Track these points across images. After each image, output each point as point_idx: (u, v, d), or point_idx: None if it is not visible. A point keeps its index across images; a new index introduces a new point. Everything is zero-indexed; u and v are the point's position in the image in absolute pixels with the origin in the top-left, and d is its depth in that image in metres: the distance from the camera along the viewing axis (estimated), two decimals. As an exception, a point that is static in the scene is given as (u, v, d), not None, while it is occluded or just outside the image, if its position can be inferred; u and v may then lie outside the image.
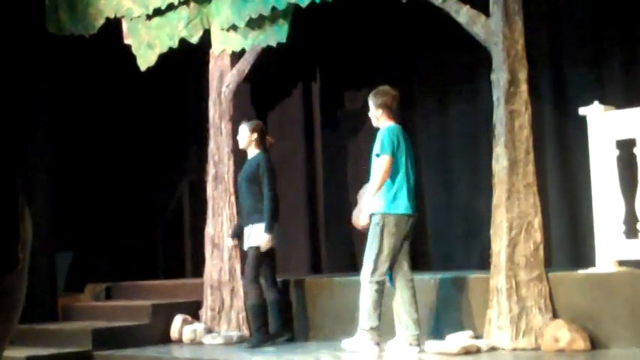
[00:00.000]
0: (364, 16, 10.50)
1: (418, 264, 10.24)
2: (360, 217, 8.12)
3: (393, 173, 7.92)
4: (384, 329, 7.99)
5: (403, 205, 7.93)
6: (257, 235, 8.91)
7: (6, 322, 1.03)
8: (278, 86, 11.52)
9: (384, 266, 7.93)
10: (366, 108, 8.44)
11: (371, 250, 7.95)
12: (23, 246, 1.04)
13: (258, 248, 8.90)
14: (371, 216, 7.97)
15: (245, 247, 9.06)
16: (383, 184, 7.90)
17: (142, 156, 12.01)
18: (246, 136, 9.16)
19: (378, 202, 7.93)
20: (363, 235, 8.89)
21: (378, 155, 7.98)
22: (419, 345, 7.90)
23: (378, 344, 7.98)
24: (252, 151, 9.19)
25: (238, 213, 9.51)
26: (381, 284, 7.94)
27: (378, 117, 8.21)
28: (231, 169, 9.85)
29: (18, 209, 1.03)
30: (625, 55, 9.20)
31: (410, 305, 7.97)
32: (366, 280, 7.96)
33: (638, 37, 9.10)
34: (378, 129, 8.21)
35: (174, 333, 9.67)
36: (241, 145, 9.22)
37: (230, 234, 9.53)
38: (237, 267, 9.56)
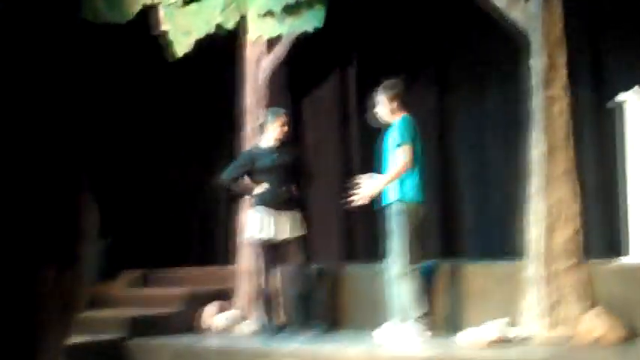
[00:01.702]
0: (401, 0, 10.38)
1: (454, 252, 10.19)
2: (365, 191, 8.13)
3: (413, 162, 8.00)
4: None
5: (421, 194, 8.08)
6: None
7: (65, 321, 0.99)
8: (314, 72, 11.45)
9: (417, 253, 7.97)
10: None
11: (401, 241, 7.97)
12: (85, 242, 1.00)
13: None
14: (386, 207, 8.04)
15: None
16: (403, 172, 7.96)
17: (177, 143, 12.00)
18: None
19: (397, 191, 7.99)
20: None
21: (399, 145, 8.02)
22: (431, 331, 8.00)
23: (429, 330, 8.00)
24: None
25: None
26: (417, 270, 8.01)
27: (393, 109, 8.24)
28: (267, 155, 9.79)
29: (81, 204, 0.99)
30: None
31: (425, 292, 8.11)
32: (404, 271, 7.97)
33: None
34: (382, 126, 8.30)
35: (208, 320, 9.64)
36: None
37: None
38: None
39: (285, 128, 9.12)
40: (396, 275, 8.04)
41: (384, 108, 8.33)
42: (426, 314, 8.04)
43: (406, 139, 8.01)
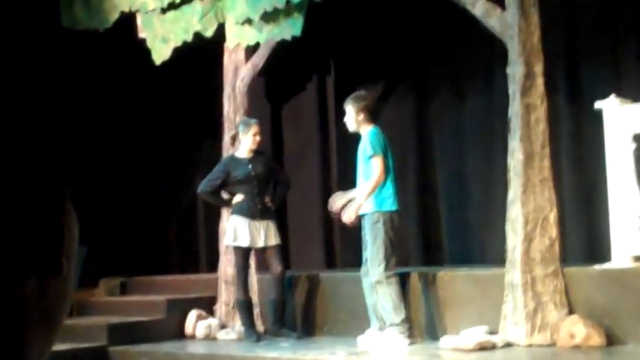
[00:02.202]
0: (379, 9, 10.44)
1: (433, 259, 10.26)
2: (347, 211, 8.31)
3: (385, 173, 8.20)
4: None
5: (395, 203, 8.25)
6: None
7: (50, 331, 1.01)
8: (292, 80, 11.48)
9: (392, 260, 8.16)
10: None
11: (376, 249, 8.15)
12: (68, 252, 1.02)
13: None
14: (362, 217, 8.24)
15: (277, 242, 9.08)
16: (378, 185, 8.17)
17: (156, 150, 12.00)
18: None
19: (372, 202, 8.19)
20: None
21: (370, 157, 8.22)
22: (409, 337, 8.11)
23: (409, 337, 8.12)
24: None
25: None
26: (395, 277, 8.17)
27: (360, 121, 8.41)
28: (246, 163, 9.82)
29: (63, 214, 1.01)
30: (642, 48, 9.13)
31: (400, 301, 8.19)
32: (382, 278, 8.13)
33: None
34: (358, 133, 8.45)
35: (188, 328, 9.66)
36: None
37: None
38: (252, 262, 9.53)
39: (258, 138, 9.18)
40: (374, 283, 8.18)
41: (351, 119, 8.48)
42: (404, 320, 8.12)
43: (377, 151, 8.21)
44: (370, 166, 8.27)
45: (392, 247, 8.17)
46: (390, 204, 8.21)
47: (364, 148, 8.34)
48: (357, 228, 8.42)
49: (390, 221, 8.19)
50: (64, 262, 0.99)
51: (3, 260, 0.92)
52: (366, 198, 8.21)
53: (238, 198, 9.06)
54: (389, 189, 8.23)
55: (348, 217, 8.31)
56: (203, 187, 9.24)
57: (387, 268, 8.12)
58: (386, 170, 8.23)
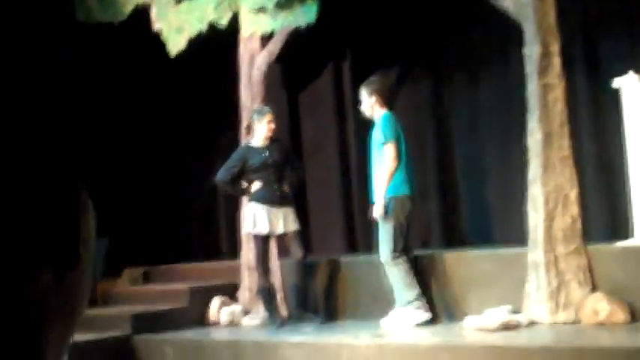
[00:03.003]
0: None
1: (454, 240, 10.29)
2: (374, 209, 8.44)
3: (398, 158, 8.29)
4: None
5: (406, 188, 8.32)
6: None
7: (66, 325, 1.03)
8: (309, 67, 11.50)
9: (400, 243, 8.27)
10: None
11: (385, 233, 8.30)
12: (85, 243, 1.04)
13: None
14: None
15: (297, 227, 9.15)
16: (394, 171, 8.25)
17: (175, 140, 12.04)
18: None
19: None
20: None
21: (383, 143, 8.29)
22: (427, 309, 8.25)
23: (427, 310, 8.25)
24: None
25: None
26: (403, 257, 8.28)
27: (372, 105, 8.50)
28: (264, 150, 9.86)
29: (79, 205, 1.03)
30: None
31: (413, 280, 8.31)
32: (390, 260, 8.28)
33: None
34: (373, 119, 8.53)
35: (212, 315, 9.70)
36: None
37: None
38: (274, 248, 9.57)
39: (272, 125, 9.22)
40: (385, 264, 8.34)
41: (365, 103, 8.57)
42: (418, 296, 8.23)
43: (389, 137, 8.29)
44: (383, 153, 8.34)
45: (401, 231, 8.29)
46: (401, 189, 8.31)
47: (377, 134, 8.39)
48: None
49: (400, 205, 8.29)
50: (80, 255, 1.01)
51: (20, 253, 0.94)
52: (384, 186, 8.29)
53: (256, 186, 9.11)
54: (401, 174, 8.32)
55: (376, 212, 8.38)
56: (220, 176, 9.29)
57: (394, 249, 8.24)
58: (398, 156, 8.30)
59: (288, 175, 9.28)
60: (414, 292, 8.23)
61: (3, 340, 0.94)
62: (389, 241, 8.27)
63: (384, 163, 8.32)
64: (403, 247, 8.33)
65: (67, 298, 1.00)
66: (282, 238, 9.26)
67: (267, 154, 9.13)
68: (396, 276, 8.26)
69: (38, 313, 0.98)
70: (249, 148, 9.26)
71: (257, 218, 9.06)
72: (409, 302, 8.23)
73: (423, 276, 8.58)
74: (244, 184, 9.25)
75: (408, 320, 8.20)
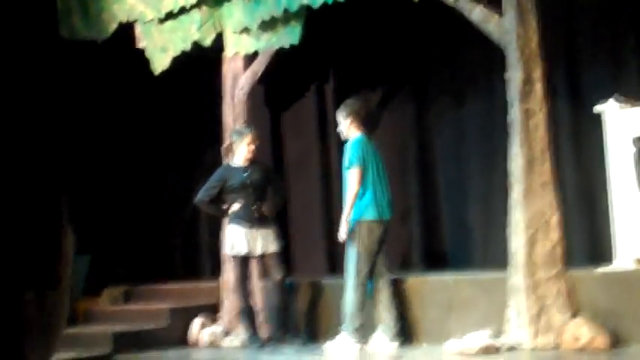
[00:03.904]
0: (377, 16, 10.49)
1: (436, 263, 10.31)
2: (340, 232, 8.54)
3: (362, 182, 8.36)
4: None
5: (373, 212, 8.38)
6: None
7: (48, 344, 1.04)
8: (292, 88, 11.52)
9: (364, 269, 8.33)
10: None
11: (352, 255, 8.39)
12: (65, 264, 1.05)
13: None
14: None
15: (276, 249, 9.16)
16: (357, 195, 8.35)
17: (157, 159, 12.03)
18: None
19: (354, 211, 8.39)
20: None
21: (348, 168, 8.41)
22: (399, 340, 8.29)
23: (362, 344, 8.32)
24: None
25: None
26: (363, 286, 8.34)
27: (348, 127, 8.61)
28: (246, 171, 9.86)
29: (61, 227, 1.04)
30: (640, 51, 9.20)
31: (390, 304, 8.38)
32: (351, 283, 8.36)
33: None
34: (347, 140, 8.61)
35: (192, 336, 9.68)
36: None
37: None
38: (255, 269, 9.56)
39: (252, 147, 9.25)
40: (347, 288, 8.42)
41: (342, 125, 8.70)
42: (358, 328, 8.32)
43: (354, 162, 8.39)
44: (348, 177, 8.45)
45: (367, 257, 8.37)
46: (367, 213, 8.39)
47: (345, 158, 8.52)
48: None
49: (367, 230, 8.38)
50: (61, 276, 1.02)
51: (3, 275, 0.95)
52: (348, 212, 8.40)
53: (235, 207, 9.13)
54: (367, 198, 8.40)
55: (340, 235, 8.52)
56: (200, 196, 9.31)
57: (357, 274, 8.33)
58: (365, 180, 8.38)
59: (269, 196, 9.29)
60: (356, 322, 8.31)
61: None
62: (351, 265, 8.38)
63: (348, 188, 8.42)
64: (368, 273, 8.40)
65: (48, 317, 1.01)
66: (260, 259, 9.26)
67: (246, 174, 9.15)
68: (350, 301, 8.36)
69: (21, 332, 0.98)
70: (229, 168, 9.28)
71: (235, 240, 9.08)
72: (348, 330, 8.33)
73: (404, 299, 8.60)
74: (224, 205, 9.25)
75: (341, 346, 8.35)
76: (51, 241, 1.05)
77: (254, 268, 9.44)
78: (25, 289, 0.99)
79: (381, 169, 8.58)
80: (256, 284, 9.50)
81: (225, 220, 9.47)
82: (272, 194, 9.35)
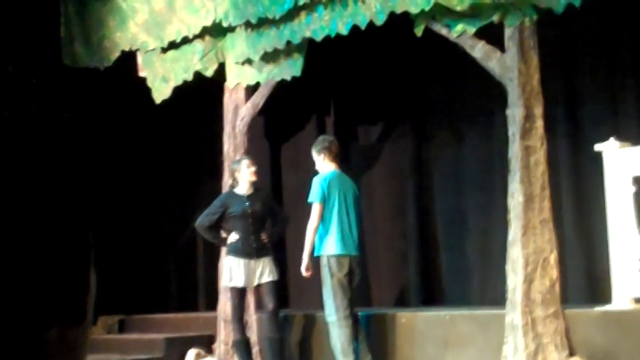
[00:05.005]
0: (378, 49, 10.51)
1: (432, 299, 10.27)
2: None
3: (326, 218, 8.49)
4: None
5: (339, 247, 8.47)
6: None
7: None
8: (292, 120, 11.54)
9: (343, 302, 8.39)
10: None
11: (327, 291, 8.48)
12: (91, 299, 1.03)
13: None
14: (318, 259, 8.56)
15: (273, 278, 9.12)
16: (316, 230, 8.49)
17: (155, 188, 12.01)
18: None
19: (320, 245, 8.52)
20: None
21: (310, 202, 8.57)
22: None
23: None
24: None
25: None
26: (347, 319, 8.36)
27: (320, 163, 8.74)
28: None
29: (90, 262, 1.02)
30: (641, 91, 9.21)
31: (361, 339, 8.48)
32: (333, 319, 8.40)
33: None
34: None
35: (187, 367, 9.64)
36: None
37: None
38: (252, 301, 9.53)
39: (253, 168, 9.26)
40: (328, 323, 8.48)
41: (316, 162, 8.81)
42: None
43: (314, 199, 8.54)
44: (311, 211, 8.58)
45: (342, 290, 8.42)
46: (333, 248, 8.48)
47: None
48: (314, 275, 8.68)
49: (336, 264, 8.45)
50: (87, 312, 1.00)
51: (32, 309, 0.92)
52: (308, 247, 8.56)
53: (233, 238, 9.09)
54: (332, 234, 8.48)
55: (302, 267, 8.62)
56: (200, 221, 9.29)
57: (337, 310, 8.38)
58: (329, 216, 8.48)
59: (269, 226, 9.27)
60: (348, 358, 8.31)
61: None
62: (329, 301, 8.45)
63: (309, 222, 8.57)
64: (348, 307, 8.43)
65: (70, 352, 0.99)
66: (255, 289, 9.22)
67: (247, 203, 9.13)
68: (335, 337, 8.39)
69: None
70: (232, 195, 9.26)
71: (233, 271, 9.04)
72: None
73: (399, 335, 8.57)
74: (223, 234, 9.22)
75: None
76: (80, 276, 1.03)
77: (251, 299, 9.40)
78: (51, 324, 0.97)
79: (351, 206, 8.65)
80: (252, 315, 9.46)
81: (223, 251, 9.44)
82: (275, 224, 9.34)
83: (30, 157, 1.04)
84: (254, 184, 9.27)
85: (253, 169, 9.25)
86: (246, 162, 9.26)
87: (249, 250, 9.03)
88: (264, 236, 9.14)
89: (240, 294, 9.06)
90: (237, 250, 9.04)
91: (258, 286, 9.09)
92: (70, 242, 1.00)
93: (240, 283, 8.99)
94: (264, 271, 9.05)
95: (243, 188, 9.23)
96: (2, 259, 0.93)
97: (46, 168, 1.04)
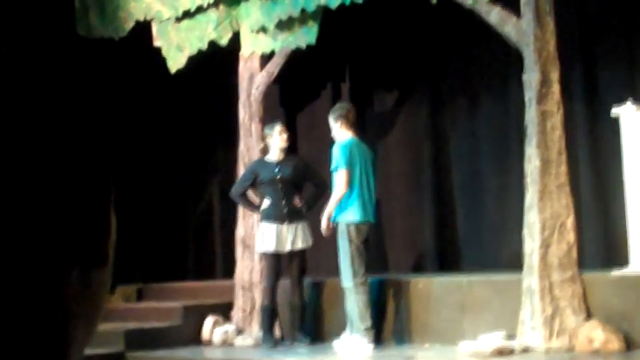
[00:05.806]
0: (394, 16, 10.48)
1: (449, 264, 10.29)
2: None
3: (349, 185, 8.53)
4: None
5: (360, 214, 8.55)
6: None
7: (91, 320, 1.03)
8: (307, 87, 11.52)
9: (361, 268, 8.51)
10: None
11: (344, 257, 8.55)
12: (112, 242, 1.04)
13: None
14: (336, 225, 8.62)
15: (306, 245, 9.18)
16: (343, 196, 8.51)
17: (172, 157, 12.04)
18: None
19: (337, 212, 8.60)
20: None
21: (334, 170, 8.61)
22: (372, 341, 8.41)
23: (372, 343, 8.40)
24: None
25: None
26: (364, 285, 8.49)
27: (337, 130, 8.81)
28: (261, 170, 9.86)
29: (110, 202, 1.04)
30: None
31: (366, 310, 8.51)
32: (350, 285, 8.49)
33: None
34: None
35: (205, 334, 9.67)
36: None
37: None
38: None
39: (285, 135, 9.31)
40: (344, 289, 8.57)
41: (333, 129, 8.89)
42: (369, 328, 8.41)
43: (340, 165, 8.57)
44: (335, 179, 8.61)
45: (359, 256, 8.52)
46: (353, 215, 8.54)
47: (333, 160, 8.69)
48: (334, 236, 8.73)
49: (355, 231, 8.53)
50: (109, 253, 1.02)
51: (52, 249, 0.94)
52: (330, 210, 8.62)
53: (265, 203, 9.14)
54: (353, 200, 8.55)
55: (322, 228, 8.67)
56: (233, 190, 9.42)
57: (354, 275, 8.46)
58: (351, 182, 8.51)
59: (307, 190, 9.29)
60: (366, 323, 8.40)
61: (30, 338, 0.95)
62: (347, 267, 8.50)
63: (334, 189, 8.60)
64: (365, 272, 8.55)
65: (92, 295, 1.01)
66: (287, 255, 9.21)
67: (277, 170, 9.15)
68: (353, 302, 8.46)
69: (65, 310, 0.98)
70: (262, 163, 9.30)
71: (265, 237, 9.08)
72: (359, 331, 8.40)
73: (416, 301, 8.60)
74: (257, 200, 9.28)
75: (353, 347, 8.39)
76: (101, 217, 1.05)
77: (279, 265, 9.44)
78: (73, 265, 0.99)
79: (370, 173, 8.74)
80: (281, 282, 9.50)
81: (250, 217, 9.53)
82: (313, 189, 9.37)
83: (58, 100, 1.05)
84: (284, 150, 9.30)
85: (285, 135, 9.30)
86: (278, 128, 9.31)
87: (280, 215, 9.06)
88: (297, 201, 9.16)
89: (271, 259, 9.07)
90: (269, 216, 9.08)
91: (290, 252, 9.10)
92: (92, 183, 1.02)
93: (270, 247, 9.01)
94: (297, 238, 9.07)
95: (274, 155, 9.27)
96: (25, 197, 0.95)
97: (72, 109, 1.05)
